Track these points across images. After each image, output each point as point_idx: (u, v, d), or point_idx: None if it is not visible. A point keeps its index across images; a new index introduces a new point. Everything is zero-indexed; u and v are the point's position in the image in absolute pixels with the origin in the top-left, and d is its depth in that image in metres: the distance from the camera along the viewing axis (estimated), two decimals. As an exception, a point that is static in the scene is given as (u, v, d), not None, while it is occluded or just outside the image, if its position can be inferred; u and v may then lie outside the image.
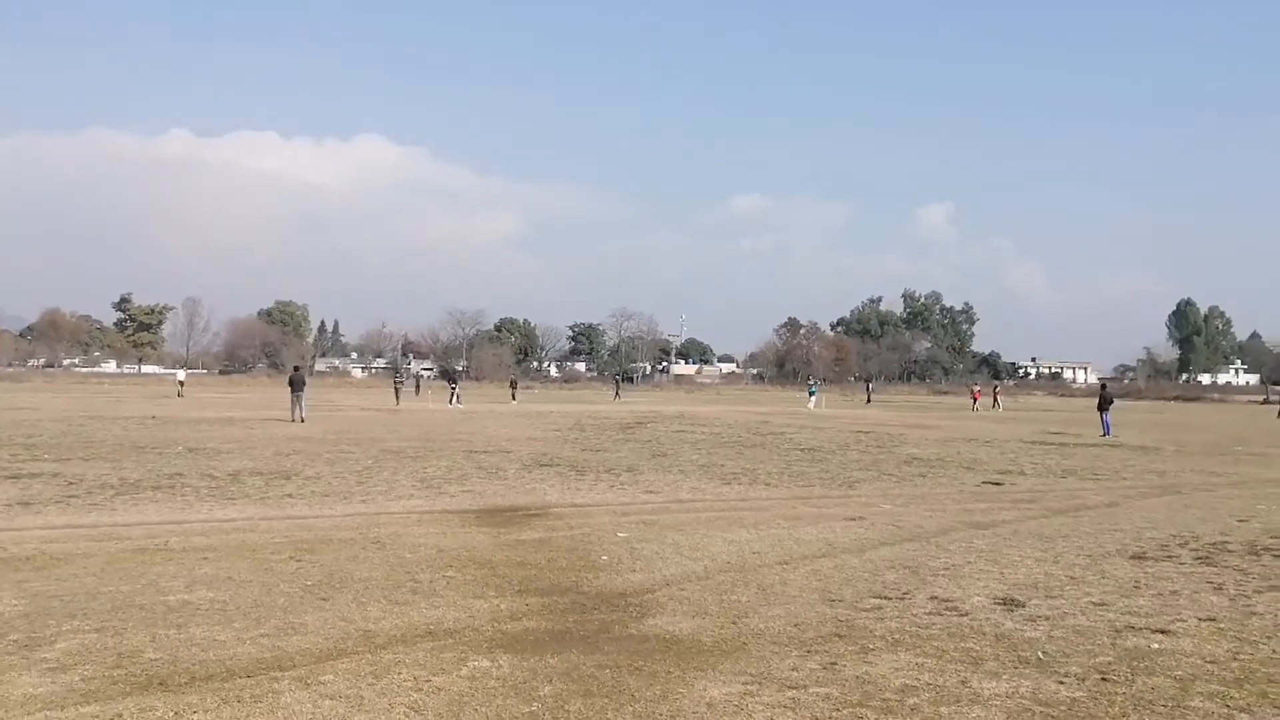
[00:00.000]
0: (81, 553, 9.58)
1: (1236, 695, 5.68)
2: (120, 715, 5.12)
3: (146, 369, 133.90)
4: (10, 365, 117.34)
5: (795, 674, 6.00)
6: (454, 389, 55.19)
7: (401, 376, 70.48)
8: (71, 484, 14.90)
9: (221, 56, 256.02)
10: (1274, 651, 6.63)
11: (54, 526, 11.19)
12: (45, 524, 11.36)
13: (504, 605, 7.73)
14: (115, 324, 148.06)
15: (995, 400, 65.03)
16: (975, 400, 63.95)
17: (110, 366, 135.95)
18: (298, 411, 33.03)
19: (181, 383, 66.92)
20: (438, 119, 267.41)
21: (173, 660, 6.09)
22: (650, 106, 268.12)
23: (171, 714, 5.14)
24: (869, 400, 77.17)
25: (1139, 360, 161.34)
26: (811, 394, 61.10)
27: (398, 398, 53.91)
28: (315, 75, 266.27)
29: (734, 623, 7.24)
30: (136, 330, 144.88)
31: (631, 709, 5.35)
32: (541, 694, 5.58)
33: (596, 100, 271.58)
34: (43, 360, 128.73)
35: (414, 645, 6.53)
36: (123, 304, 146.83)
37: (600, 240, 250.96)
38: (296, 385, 33.94)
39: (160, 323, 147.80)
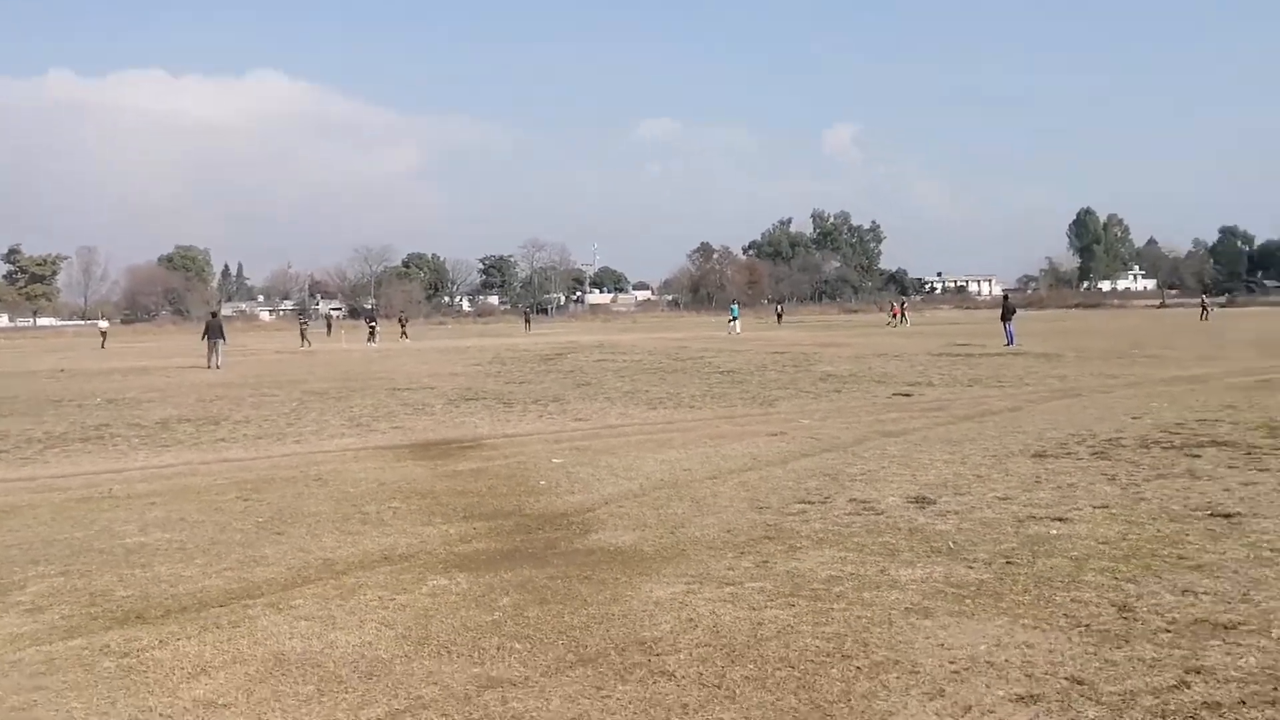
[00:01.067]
0: (26, 504, 9.71)
1: (1124, 569, 6.36)
2: (107, 645, 5.43)
3: (42, 321, 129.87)
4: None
5: (731, 573, 6.54)
6: (372, 327, 54.96)
7: (306, 318, 69.44)
8: (-4, 440, 14.83)
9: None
10: (1158, 531, 7.36)
11: (-10, 481, 11.25)
12: (-20, 479, 11.41)
13: (452, 530, 8.13)
14: (4, 276, 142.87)
15: (903, 316, 66.66)
16: (895, 315, 65.77)
17: (2, 321, 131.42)
18: (214, 359, 32.48)
19: (104, 333, 65.23)
20: (333, 53, 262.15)
21: (144, 596, 6.39)
22: (550, 34, 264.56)
23: (156, 642, 5.47)
24: (780, 320, 78.50)
25: (1041, 270, 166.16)
26: (734, 317, 61.72)
27: (304, 339, 53.30)
28: (200, 6, 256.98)
29: (672, 533, 7.75)
30: (29, 282, 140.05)
31: (586, 612, 5.83)
32: (501, 604, 6.03)
33: (495, 28, 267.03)
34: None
35: (373, 570, 6.92)
36: (11, 255, 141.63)
37: (507, 171, 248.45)
38: (214, 332, 32.97)
39: (54, 274, 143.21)
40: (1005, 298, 38.74)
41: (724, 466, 10.79)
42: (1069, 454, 10.97)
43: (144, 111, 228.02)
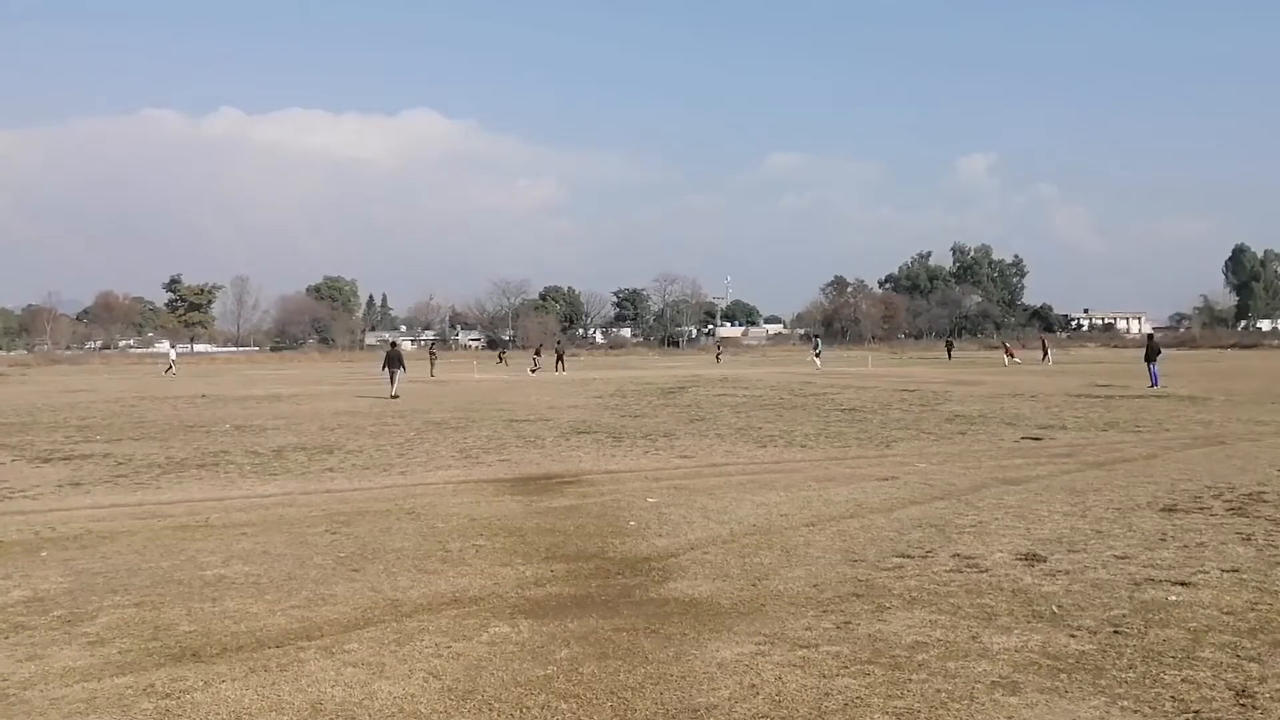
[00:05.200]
0: (126, 531, 9.90)
1: (1248, 645, 5.70)
2: (152, 685, 5.34)
3: (199, 348, 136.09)
4: (69, 348, 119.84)
5: (808, 633, 6.10)
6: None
7: (434, 348, 71.22)
8: (120, 464, 15.32)
9: (272, 33, 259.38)
10: (1294, 601, 6.61)
11: (101, 506, 11.56)
12: (93, 503, 11.73)
13: (529, 572, 7.90)
14: (167, 305, 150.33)
15: (1044, 353, 64.15)
16: (1010, 356, 63.28)
17: (164, 346, 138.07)
18: (393, 388, 31.96)
19: (173, 361, 63.61)
20: (489, 91, 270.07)
21: (206, 632, 6.32)
22: (683, 69, 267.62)
23: (201, 683, 5.36)
24: (950, 355, 76.23)
25: (1195, 308, 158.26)
26: (817, 352, 60.52)
27: (432, 369, 54.62)
28: (367, 52, 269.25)
29: (754, 585, 7.35)
30: (187, 310, 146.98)
31: (644, 670, 5.49)
32: (558, 657, 5.73)
33: (636, 66, 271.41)
34: (99, 343, 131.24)
35: (439, 613, 6.72)
36: (173, 285, 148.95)
37: (642, 204, 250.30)
38: (393, 362, 32.75)
39: (210, 302, 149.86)
40: (1150, 337, 36.85)
41: (824, 513, 10.30)
42: (1202, 509, 10.12)
43: (300, 148, 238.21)
